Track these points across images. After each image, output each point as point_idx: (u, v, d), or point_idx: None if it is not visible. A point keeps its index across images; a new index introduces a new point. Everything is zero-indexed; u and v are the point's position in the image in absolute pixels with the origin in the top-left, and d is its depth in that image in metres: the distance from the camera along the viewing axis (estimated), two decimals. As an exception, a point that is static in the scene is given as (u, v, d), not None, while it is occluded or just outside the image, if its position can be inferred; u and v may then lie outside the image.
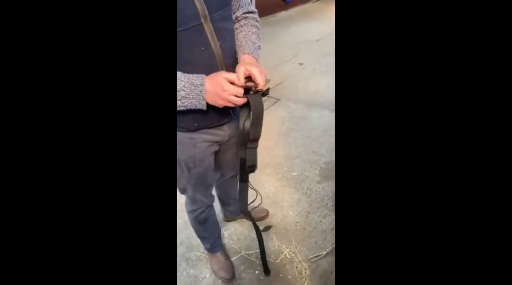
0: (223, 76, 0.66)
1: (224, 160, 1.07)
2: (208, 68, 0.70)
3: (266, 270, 1.22)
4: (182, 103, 0.67)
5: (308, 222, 1.50)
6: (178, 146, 0.83)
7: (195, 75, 0.67)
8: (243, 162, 0.79)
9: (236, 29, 0.81)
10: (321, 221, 1.50)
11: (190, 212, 1.13)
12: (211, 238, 1.25)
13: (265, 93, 0.68)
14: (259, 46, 0.80)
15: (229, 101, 0.67)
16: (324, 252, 1.34)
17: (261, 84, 0.67)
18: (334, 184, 1.72)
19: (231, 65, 0.76)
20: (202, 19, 0.67)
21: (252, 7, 0.83)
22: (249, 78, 0.69)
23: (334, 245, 1.37)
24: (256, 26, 0.83)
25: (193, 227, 1.21)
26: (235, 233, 1.47)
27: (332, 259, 1.32)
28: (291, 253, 1.35)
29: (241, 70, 0.67)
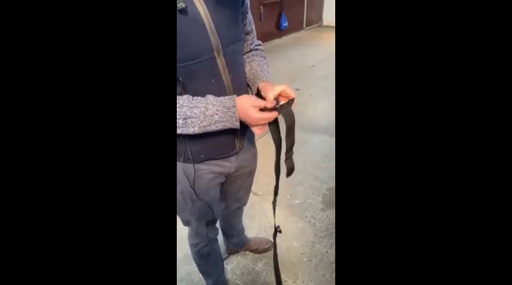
0: (251, 105, 0.67)
1: (229, 191, 1.04)
2: None
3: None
4: (216, 127, 0.68)
5: (314, 253, 1.44)
6: (182, 177, 0.81)
7: (226, 97, 0.68)
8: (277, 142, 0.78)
9: (248, 57, 0.84)
10: (327, 252, 1.44)
11: (192, 245, 1.08)
12: (214, 274, 1.19)
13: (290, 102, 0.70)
14: (270, 76, 0.83)
15: (259, 124, 0.69)
16: (333, 286, 1.28)
17: (292, 95, 0.71)
18: (338, 211, 1.68)
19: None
20: (216, 53, 0.68)
21: (259, 42, 0.88)
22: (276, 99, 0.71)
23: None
24: (265, 57, 0.86)
25: (195, 261, 1.15)
26: (238, 267, 1.40)
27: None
28: (298, 288, 1.28)
29: (271, 95, 0.70)
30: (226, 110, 0.67)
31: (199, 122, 0.66)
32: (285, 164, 0.78)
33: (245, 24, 0.79)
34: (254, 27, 0.85)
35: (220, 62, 0.69)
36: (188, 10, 0.62)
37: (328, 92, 3.21)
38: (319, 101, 3.05)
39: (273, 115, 0.68)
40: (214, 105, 0.66)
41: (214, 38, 0.67)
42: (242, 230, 1.39)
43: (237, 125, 0.69)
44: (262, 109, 0.68)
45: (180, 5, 0.60)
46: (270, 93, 0.69)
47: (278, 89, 0.70)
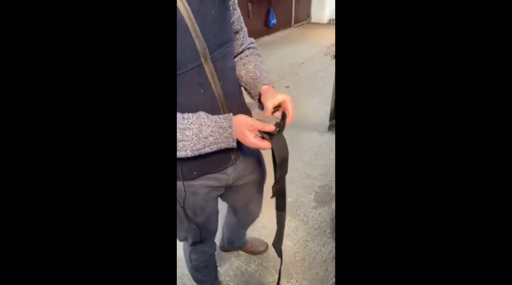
0: (248, 129, 0.61)
1: (238, 205, 0.99)
2: (209, 112, 0.63)
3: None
4: (210, 149, 0.61)
5: (307, 251, 1.43)
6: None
7: (222, 116, 0.62)
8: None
9: (242, 59, 0.78)
10: (320, 250, 1.43)
11: (189, 261, 1.04)
12: (207, 281, 1.17)
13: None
14: (268, 77, 0.78)
15: (255, 146, 0.63)
16: (327, 285, 1.27)
17: (290, 110, 0.65)
18: (330, 209, 1.67)
19: (233, 106, 0.70)
20: (202, 59, 0.61)
21: (251, 39, 0.82)
22: (277, 108, 0.67)
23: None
24: (259, 55, 0.80)
25: (190, 271, 1.11)
26: (231, 268, 1.38)
27: (335, 291, 1.25)
28: (292, 287, 1.27)
29: (270, 103, 0.65)
30: (222, 130, 0.60)
31: (192, 145, 0.59)
32: (272, 189, 0.72)
33: (233, 22, 0.72)
34: (243, 25, 0.78)
35: (208, 69, 0.62)
36: None
37: (318, 90, 3.21)
38: (309, 98, 3.05)
39: (267, 145, 0.62)
40: (208, 126, 0.59)
41: (199, 42, 0.59)
42: (244, 235, 1.36)
43: (233, 145, 0.62)
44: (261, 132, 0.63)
45: None
46: (269, 102, 0.65)
47: (279, 98, 0.65)
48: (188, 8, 0.57)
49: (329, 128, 2.43)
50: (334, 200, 1.74)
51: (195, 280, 1.15)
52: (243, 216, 1.07)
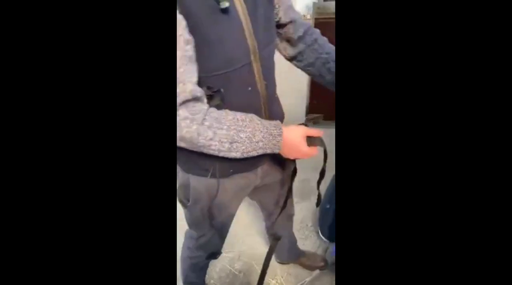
0: (303, 137, 0.64)
1: (270, 202, 1.00)
2: (251, 112, 0.64)
3: None
4: (257, 153, 0.63)
5: (291, 246, 1.44)
6: (204, 195, 0.75)
7: (272, 123, 0.63)
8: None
9: (318, 58, 0.77)
10: (303, 244, 1.45)
11: (187, 258, 1.02)
12: (198, 283, 1.15)
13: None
14: None
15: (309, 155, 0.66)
16: (310, 277, 1.29)
17: None
18: (310, 203, 1.69)
19: (272, 108, 0.73)
20: (252, 57, 0.62)
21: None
22: None
23: (319, 270, 1.33)
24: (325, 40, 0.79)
25: (184, 272, 1.09)
26: (215, 271, 1.36)
27: (319, 283, 1.27)
28: (277, 284, 1.27)
29: None
30: (271, 138, 0.62)
31: (243, 147, 0.60)
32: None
33: (280, 18, 0.73)
34: (293, 14, 0.74)
35: (256, 67, 0.64)
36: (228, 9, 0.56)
37: (293, 88, 3.22)
38: (287, 96, 3.02)
39: (315, 151, 0.66)
40: (261, 131, 0.61)
41: (251, 40, 0.61)
42: (293, 239, 1.30)
43: (276, 152, 0.65)
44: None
45: (223, 3, 0.54)
46: None
47: None
48: (244, 6, 0.59)
49: (305, 123, 2.45)
50: (314, 194, 1.76)
51: (188, 282, 1.13)
52: (275, 214, 1.06)
